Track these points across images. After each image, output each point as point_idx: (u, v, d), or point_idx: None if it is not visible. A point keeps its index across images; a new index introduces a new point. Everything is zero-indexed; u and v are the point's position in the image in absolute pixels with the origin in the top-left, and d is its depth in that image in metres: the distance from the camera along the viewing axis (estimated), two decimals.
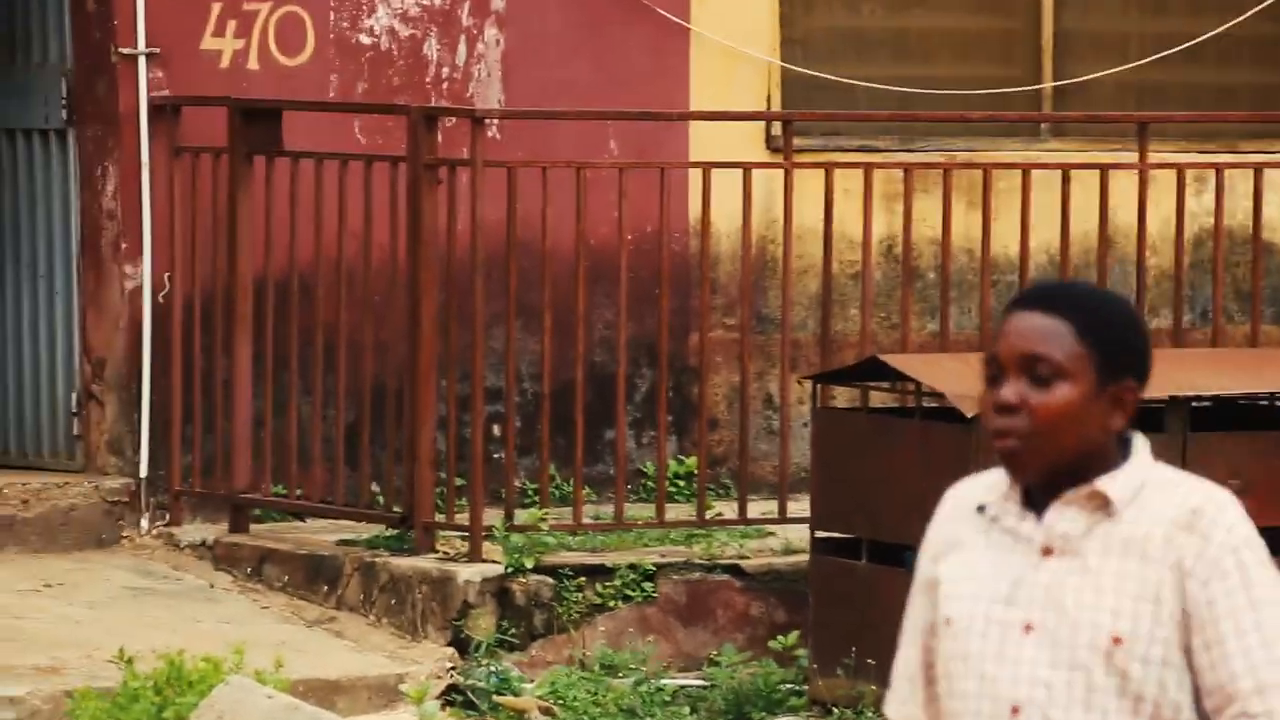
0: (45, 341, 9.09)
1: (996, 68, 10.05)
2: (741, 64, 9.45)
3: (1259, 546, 2.80)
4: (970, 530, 2.85)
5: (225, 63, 9.06)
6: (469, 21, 9.21)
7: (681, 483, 8.84)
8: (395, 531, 8.23)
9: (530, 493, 8.44)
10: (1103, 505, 2.77)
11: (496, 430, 8.51)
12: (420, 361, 8.12)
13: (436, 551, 8.10)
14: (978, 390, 7.92)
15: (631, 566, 8.04)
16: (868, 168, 8.64)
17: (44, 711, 7.38)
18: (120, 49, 8.89)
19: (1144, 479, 2.81)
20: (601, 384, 8.64)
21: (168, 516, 8.81)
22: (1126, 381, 2.78)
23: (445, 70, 9.20)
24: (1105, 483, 2.77)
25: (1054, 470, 2.75)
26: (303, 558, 8.46)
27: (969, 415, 7.03)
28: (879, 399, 8.29)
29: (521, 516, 8.13)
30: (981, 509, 2.83)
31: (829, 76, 9.48)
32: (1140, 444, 2.85)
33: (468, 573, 7.90)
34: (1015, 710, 2.78)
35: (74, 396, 8.98)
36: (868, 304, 8.78)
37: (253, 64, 9.06)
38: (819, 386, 8.18)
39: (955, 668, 2.82)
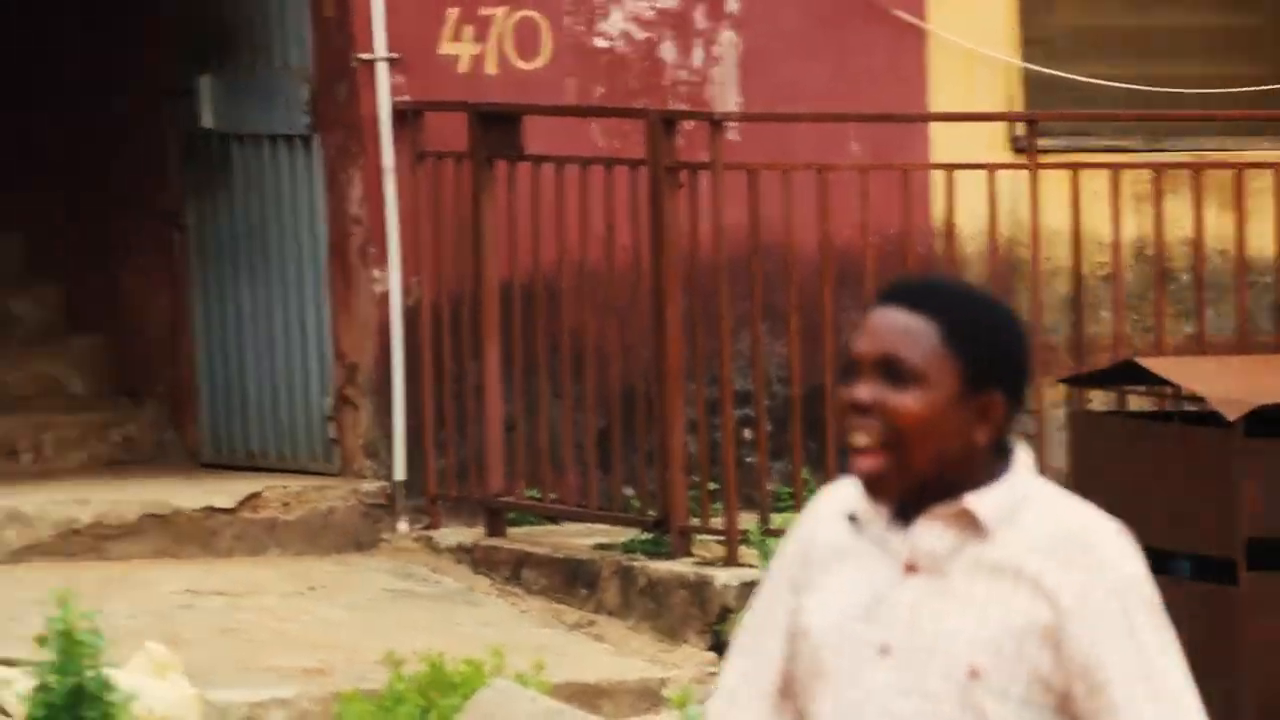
0: (298, 346, 9.40)
1: (1244, 65, 10.08)
2: (980, 65, 9.57)
3: (1147, 584, 2.60)
4: (839, 535, 2.70)
5: (463, 67, 9.28)
6: (704, 24, 9.36)
7: None
8: (651, 535, 8.38)
9: (784, 496, 8.56)
10: (971, 524, 2.59)
11: (747, 434, 8.63)
12: (668, 365, 8.27)
13: (692, 555, 8.23)
14: (1239, 394, 7.78)
15: None
16: (1115, 168, 8.75)
17: (313, 713, 7.59)
18: (360, 55, 9.11)
19: (1022, 497, 2.61)
20: None
21: (425, 520, 9.08)
22: (994, 394, 2.58)
23: (682, 73, 9.38)
24: (974, 501, 2.58)
25: (912, 484, 2.57)
26: (560, 561, 8.66)
27: (1231, 419, 7.06)
28: (1135, 403, 8.37)
29: (776, 520, 8.21)
30: (854, 519, 2.67)
31: (1072, 76, 9.56)
32: (1023, 457, 2.65)
33: (724, 577, 8.02)
34: None
35: (328, 401, 9.29)
36: (1120, 306, 8.88)
37: (490, 68, 9.27)
38: (1074, 390, 8.22)
39: (812, 685, 2.67)
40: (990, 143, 9.28)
